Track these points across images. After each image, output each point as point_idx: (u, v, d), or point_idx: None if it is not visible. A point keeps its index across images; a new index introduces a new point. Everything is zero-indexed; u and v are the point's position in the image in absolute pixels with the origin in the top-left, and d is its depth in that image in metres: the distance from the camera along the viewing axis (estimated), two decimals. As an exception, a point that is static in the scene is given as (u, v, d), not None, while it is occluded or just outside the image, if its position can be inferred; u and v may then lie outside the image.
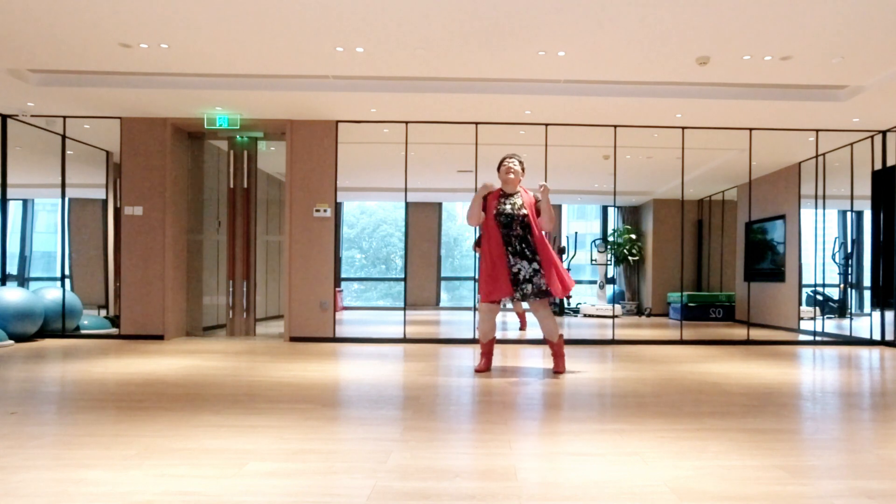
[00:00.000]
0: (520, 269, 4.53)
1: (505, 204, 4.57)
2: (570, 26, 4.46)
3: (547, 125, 6.80)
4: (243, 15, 4.34)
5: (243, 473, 2.20)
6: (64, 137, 6.94)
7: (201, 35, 4.69)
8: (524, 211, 4.54)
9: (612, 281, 12.26)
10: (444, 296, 13.01)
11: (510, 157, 4.66)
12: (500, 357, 5.69)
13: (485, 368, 4.67)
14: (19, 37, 4.74)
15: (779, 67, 5.17)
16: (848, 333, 7.60)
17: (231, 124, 6.72)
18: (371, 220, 14.73)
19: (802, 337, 7.75)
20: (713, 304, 10.40)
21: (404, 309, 7.57)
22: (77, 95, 6.03)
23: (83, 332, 6.93)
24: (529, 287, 4.52)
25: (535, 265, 4.52)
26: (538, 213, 4.58)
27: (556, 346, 4.67)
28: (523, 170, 4.68)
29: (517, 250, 4.53)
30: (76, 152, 7.40)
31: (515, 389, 3.98)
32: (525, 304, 7.29)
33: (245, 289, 7.19)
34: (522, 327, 8.11)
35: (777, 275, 8.95)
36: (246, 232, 7.23)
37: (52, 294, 6.77)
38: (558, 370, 4.63)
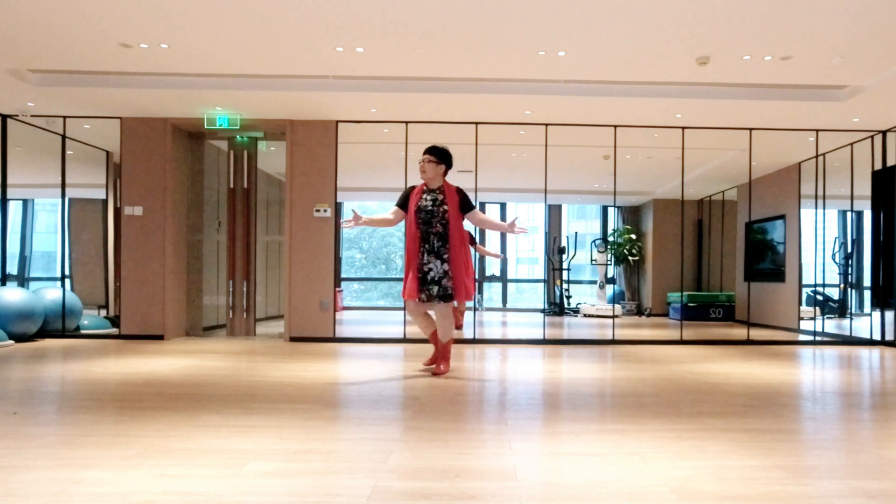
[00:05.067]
0: (431, 269, 4.40)
1: (426, 200, 4.45)
2: (570, 26, 4.46)
3: (547, 125, 6.80)
4: (243, 15, 4.34)
5: (243, 473, 2.20)
6: (64, 137, 6.94)
7: (201, 35, 4.69)
8: (445, 207, 4.41)
9: (612, 281, 12.26)
10: (444, 296, 12.97)
11: (426, 152, 4.49)
12: (494, 358, 5.70)
13: (433, 361, 4.67)
14: (19, 37, 4.74)
15: (779, 67, 5.17)
16: (848, 333, 7.60)
17: (231, 124, 6.72)
18: (371, 220, 14.70)
19: (802, 337, 7.75)
20: (713, 304, 10.40)
21: (404, 309, 7.55)
22: (77, 95, 6.03)
23: (83, 332, 6.93)
24: (436, 289, 4.38)
25: (447, 266, 4.40)
26: (464, 209, 4.45)
27: (444, 348, 4.59)
28: (445, 162, 4.50)
29: (433, 248, 4.40)
30: (76, 152, 7.40)
31: (515, 389, 3.98)
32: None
33: (245, 289, 7.19)
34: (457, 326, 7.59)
35: (777, 275, 8.94)
36: (246, 232, 7.22)
37: (52, 294, 6.77)
38: (439, 372, 4.51)
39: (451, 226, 4.40)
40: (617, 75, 5.50)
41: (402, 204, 4.51)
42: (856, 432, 3.02)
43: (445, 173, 4.53)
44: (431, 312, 4.61)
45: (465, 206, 4.47)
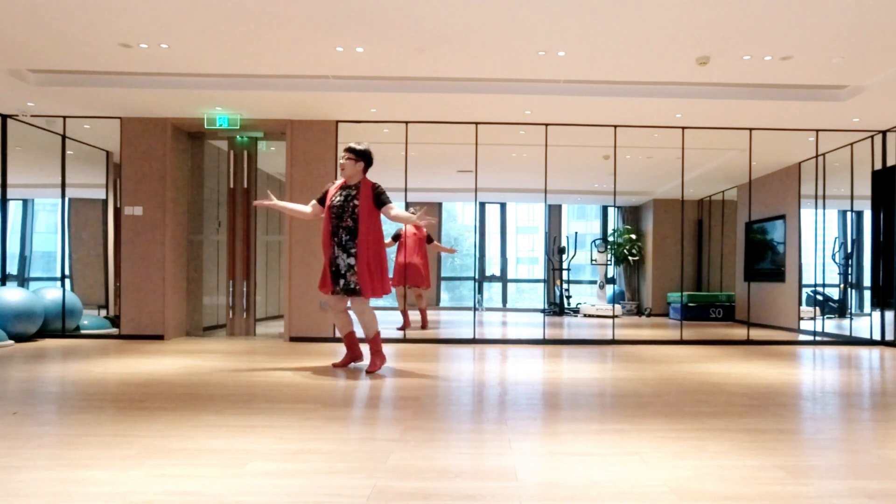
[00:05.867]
0: (339, 263, 4.48)
1: (340, 195, 4.54)
2: (570, 26, 4.46)
3: (547, 125, 6.80)
4: (243, 15, 4.34)
5: (243, 473, 2.20)
6: (64, 137, 6.94)
7: (201, 35, 4.69)
8: (356, 202, 4.47)
9: (612, 281, 12.26)
10: (444, 295, 13.01)
11: (345, 149, 4.57)
12: (494, 358, 5.71)
13: (343, 363, 4.73)
14: (19, 37, 4.74)
15: (779, 67, 5.17)
16: (848, 333, 7.60)
17: (231, 124, 6.72)
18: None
19: (802, 337, 7.75)
20: (713, 304, 10.40)
21: (404, 309, 7.56)
22: (77, 95, 6.03)
23: (83, 332, 6.93)
24: (342, 282, 4.46)
25: (352, 261, 4.44)
26: (377, 204, 4.49)
27: (372, 343, 4.61)
28: (364, 159, 4.57)
29: (342, 242, 4.47)
30: (76, 152, 7.40)
31: (515, 389, 3.98)
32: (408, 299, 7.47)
33: (245, 289, 7.19)
34: (410, 326, 7.72)
35: (777, 275, 8.95)
36: (246, 232, 7.22)
37: (52, 294, 6.77)
38: (370, 369, 4.53)
39: (361, 221, 4.45)
40: (617, 75, 5.50)
41: (321, 199, 4.65)
42: (856, 432, 3.02)
43: (365, 170, 4.61)
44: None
45: (378, 201, 4.52)
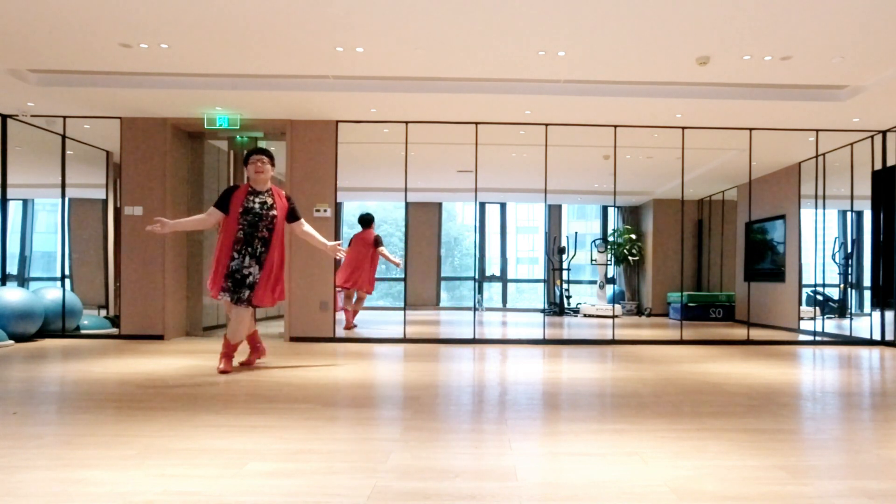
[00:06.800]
0: (250, 273, 4.37)
1: (254, 202, 4.40)
2: (570, 26, 4.46)
3: (547, 125, 6.80)
4: (243, 15, 4.34)
5: (243, 473, 2.20)
6: (64, 137, 6.94)
7: (201, 35, 4.69)
8: (274, 212, 4.40)
9: (612, 281, 12.26)
10: (443, 295, 13.01)
11: (259, 153, 4.50)
12: (494, 358, 5.70)
13: (249, 361, 4.75)
14: (19, 37, 4.74)
15: (779, 67, 5.17)
16: (848, 333, 7.60)
17: (231, 124, 6.72)
18: (371, 220, 14.68)
19: (802, 337, 7.75)
20: (713, 304, 10.40)
21: (404, 309, 7.57)
22: (77, 95, 6.03)
23: (83, 332, 6.93)
24: (247, 293, 4.38)
25: (263, 272, 4.40)
26: (291, 218, 4.48)
27: (226, 345, 4.56)
28: (274, 165, 4.59)
29: (255, 252, 4.37)
30: (76, 152, 7.40)
31: (515, 389, 3.98)
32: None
33: (245, 289, 7.17)
34: (347, 326, 7.81)
35: (777, 275, 8.95)
36: (246, 232, 7.21)
37: (52, 294, 6.76)
38: (222, 369, 4.45)
39: (275, 232, 4.41)
40: (617, 75, 5.49)
41: (222, 205, 4.47)
42: (856, 432, 3.02)
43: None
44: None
45: (293, 215, 4.51)
